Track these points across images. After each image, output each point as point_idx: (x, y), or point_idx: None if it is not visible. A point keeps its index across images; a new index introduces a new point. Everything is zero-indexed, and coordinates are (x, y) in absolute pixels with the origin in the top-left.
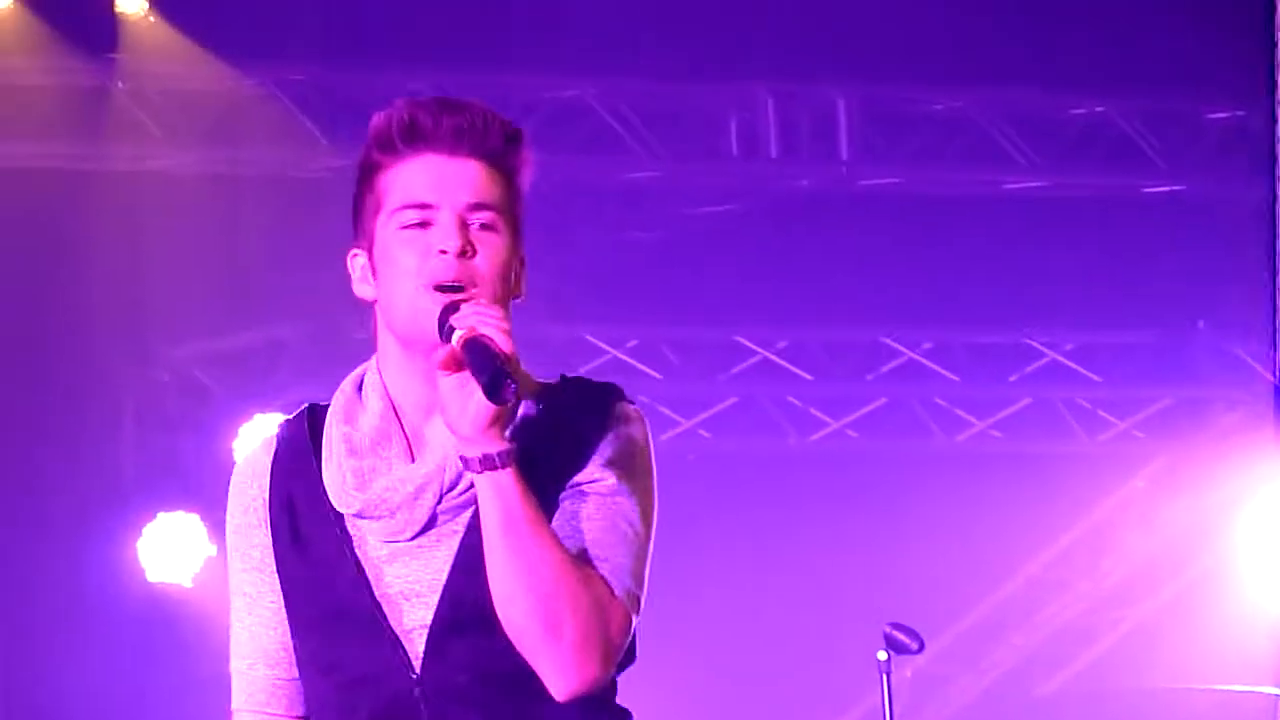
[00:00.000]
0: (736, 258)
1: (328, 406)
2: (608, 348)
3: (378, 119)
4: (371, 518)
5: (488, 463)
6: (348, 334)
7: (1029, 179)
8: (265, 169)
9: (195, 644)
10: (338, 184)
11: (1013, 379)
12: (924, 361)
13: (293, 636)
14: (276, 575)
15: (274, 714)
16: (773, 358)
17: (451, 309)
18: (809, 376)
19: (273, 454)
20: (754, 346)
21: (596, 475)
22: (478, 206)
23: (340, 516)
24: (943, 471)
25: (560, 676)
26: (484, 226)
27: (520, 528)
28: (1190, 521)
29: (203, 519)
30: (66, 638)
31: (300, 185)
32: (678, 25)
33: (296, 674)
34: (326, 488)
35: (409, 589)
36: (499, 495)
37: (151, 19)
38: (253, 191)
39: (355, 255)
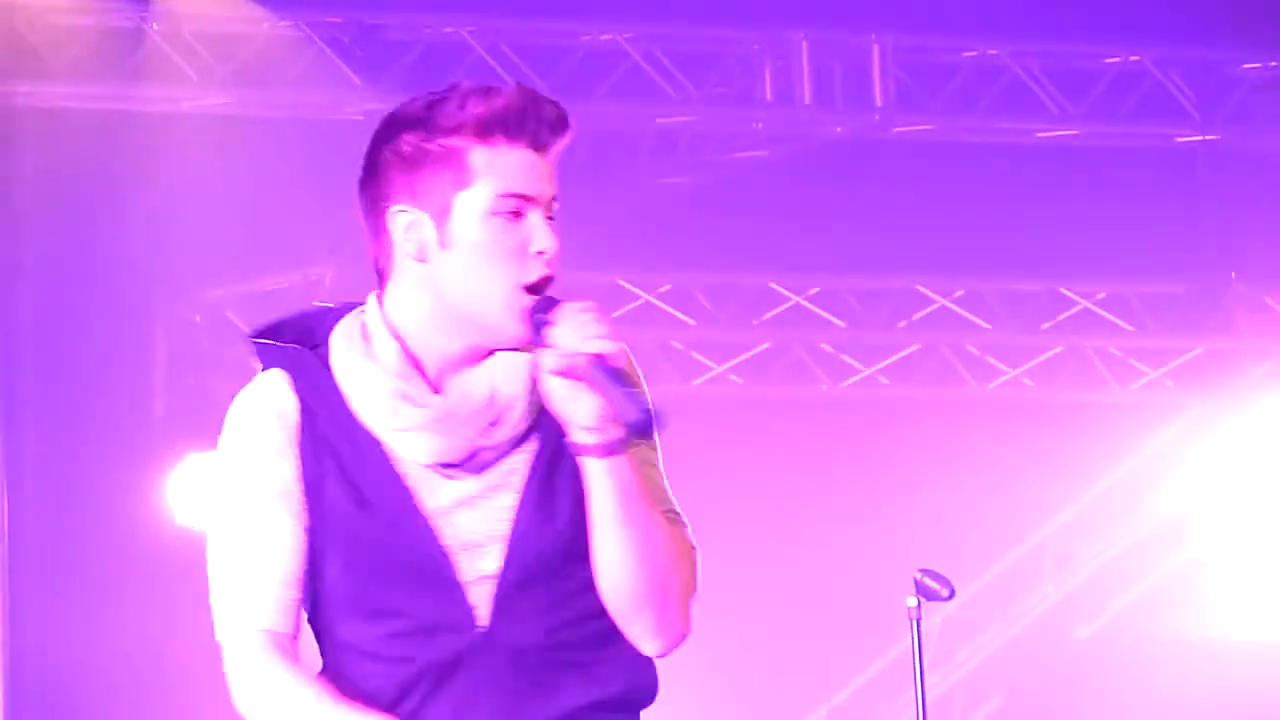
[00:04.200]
0: (769, 204)
1: (311, 351)
2: (641, 293)
3: (474, 100)
4: (433, 431)
5: (609, 449)
6: None
7: (1062, 127)
8: (299, 111)
9: None
10: (372, 127)
11: (1045, 327)
12: (956, 309)
13: (331, 576)
14: (304, 506)
15: (290, 634)
16: (805, 303)
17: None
18: (841, 323)
19: (291, 385)
20: (786, 292)
21: None
22: (553, 201)
23: (394, 470)
24: (974, 419)
25: (662, 635)
26: (552, 220)
27: (634, 502)
28: (1220, 472)
29: None
30: (93, 577)
31: (335, 128)
32: None
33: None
34: (368, 418)
35: (469, 539)
36: (616, 474)
37: None
38: (287, 134)
39: (405, 213)
